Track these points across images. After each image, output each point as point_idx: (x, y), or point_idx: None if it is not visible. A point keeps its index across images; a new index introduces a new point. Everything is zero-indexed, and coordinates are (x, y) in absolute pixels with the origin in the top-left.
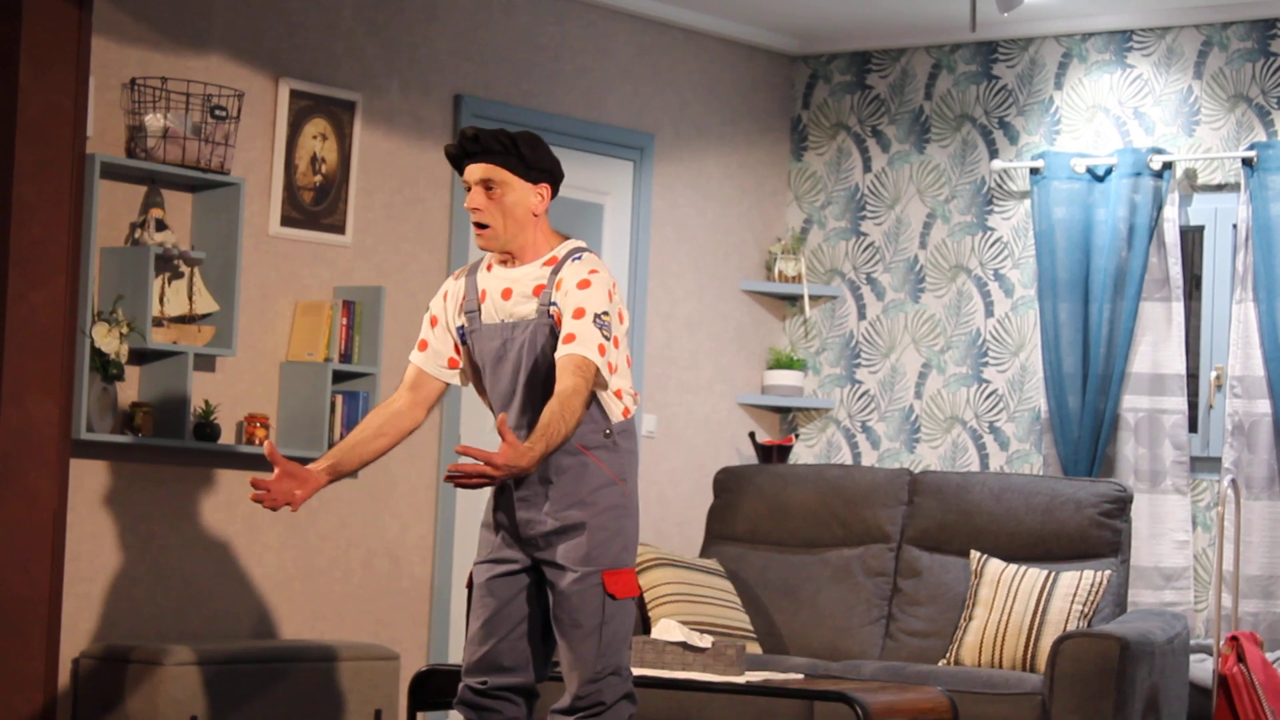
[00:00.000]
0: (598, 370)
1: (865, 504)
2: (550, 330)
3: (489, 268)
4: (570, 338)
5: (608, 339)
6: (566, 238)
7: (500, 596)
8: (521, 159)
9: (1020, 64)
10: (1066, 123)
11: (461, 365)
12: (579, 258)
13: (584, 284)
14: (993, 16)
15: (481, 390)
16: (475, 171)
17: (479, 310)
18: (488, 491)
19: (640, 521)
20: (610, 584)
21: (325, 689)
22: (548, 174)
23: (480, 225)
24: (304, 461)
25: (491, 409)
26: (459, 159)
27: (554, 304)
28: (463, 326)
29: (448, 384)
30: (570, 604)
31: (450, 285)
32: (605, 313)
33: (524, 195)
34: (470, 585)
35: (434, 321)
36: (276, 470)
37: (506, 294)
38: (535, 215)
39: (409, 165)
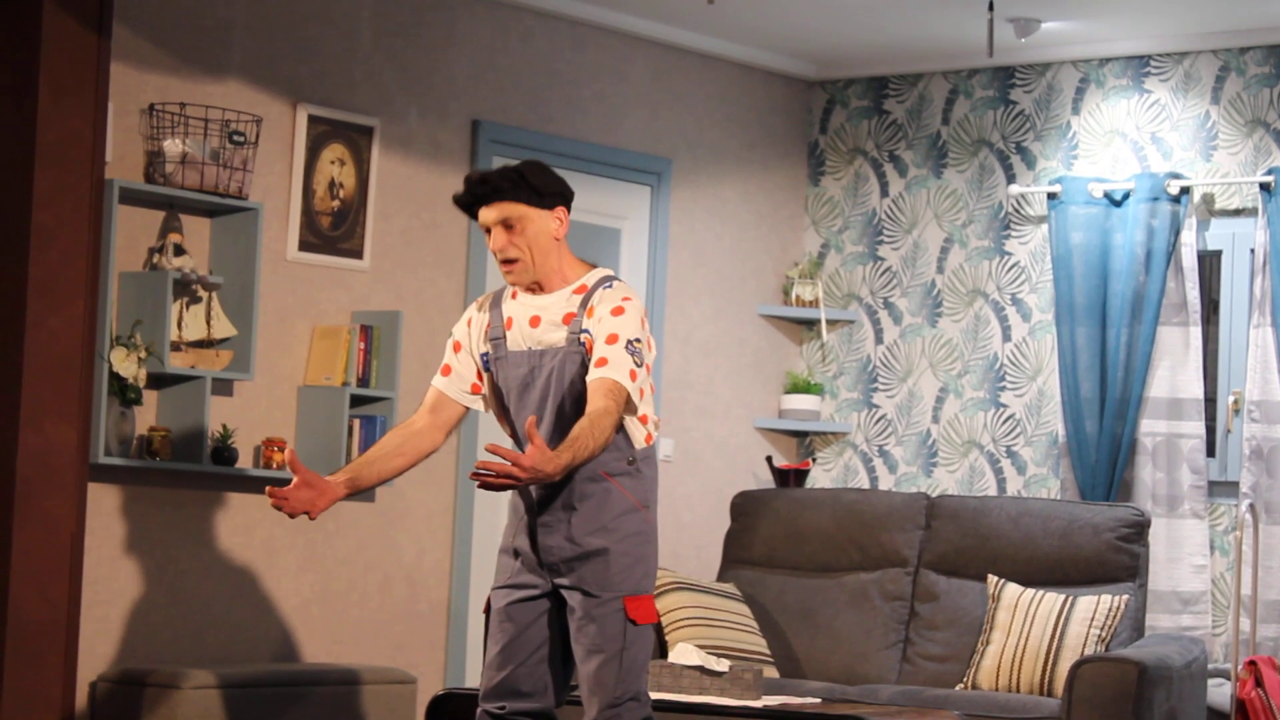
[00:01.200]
0: (629, 395)
1: (882, 528)
2: (581, 359)
3: (514, 295)
4: (603, 361)
5: (639, 366)
6: (593, 265)
7: (519, 622)
8: (533, 189)
9: (1038, 89)
10: (1084, 148)
11: (483, 391)
12: (610, 285)
13: (618, 310)
14: (1010, 42)
15: (502, 417)
16: (491, 214)
17: (504, 338)
18: (505, 518)
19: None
20: (631, 610)
21: (342, 712)
22: (560, 196)
23: (508, 261)
24: None
25: (513, 436)
26: (471, 206)
27: (586, 331)
28: (487, 354)
29: (468, 409)
30: (592, 629)
31: (474, 313)
32: (637, 339)
33: (544, 224)
34: (488, 611)
35: (457, 347)
36: (296, 479)
37: (535, 321)
38: (557, 240)
39: (427, 190)
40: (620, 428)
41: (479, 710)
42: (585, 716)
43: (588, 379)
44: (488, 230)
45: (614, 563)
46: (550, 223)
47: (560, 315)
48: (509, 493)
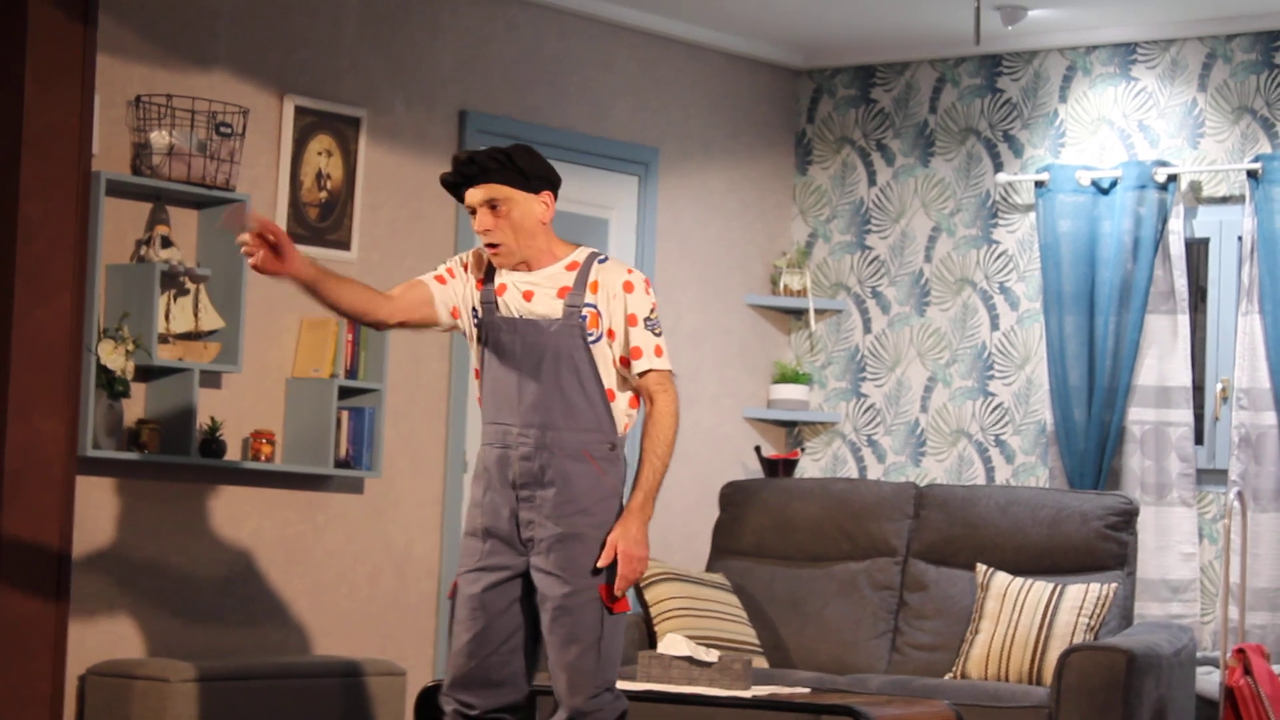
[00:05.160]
0: (672, 375)
1: (871, 518)
2: (580, 333)
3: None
4: (638, 352)
5: (660, 336)
6: (576, 245)
7: (492, 609)
8: (520, 172)
9: (1025, 77)
10: (1071, 136)
11: (463, 327)
12: (604, 260)
13: (629, 286)
14: (997, 30)
15: (480, 375)
16: (477, 194)
17: (496, 302)
18: (469, 495)
19: None
20: (607, 598)
21: (332, 705)
22: (546, 181)
23: (493, 245)
24: (310, 478)
25: (484, 395)
26: (458, 186)
27: (591, 306)
28: (475, 309)
29: (431, 323)
30: (570, 618)
31: (469, 260)
32: (653, 312)
33: (530, 207)
34: (454, 595)
35: (451, 273)
36: (259, 230)
37: (528, 296)
38: (543, 223)
39: (414, 181)
40: (607, 408)
41: (451, 707)
42: (563, 708)
43: (633, 371)
44: (473, 211)
45: (592, 550)
46: (536, 206)
47: (555, 289)
48: (477, 469)
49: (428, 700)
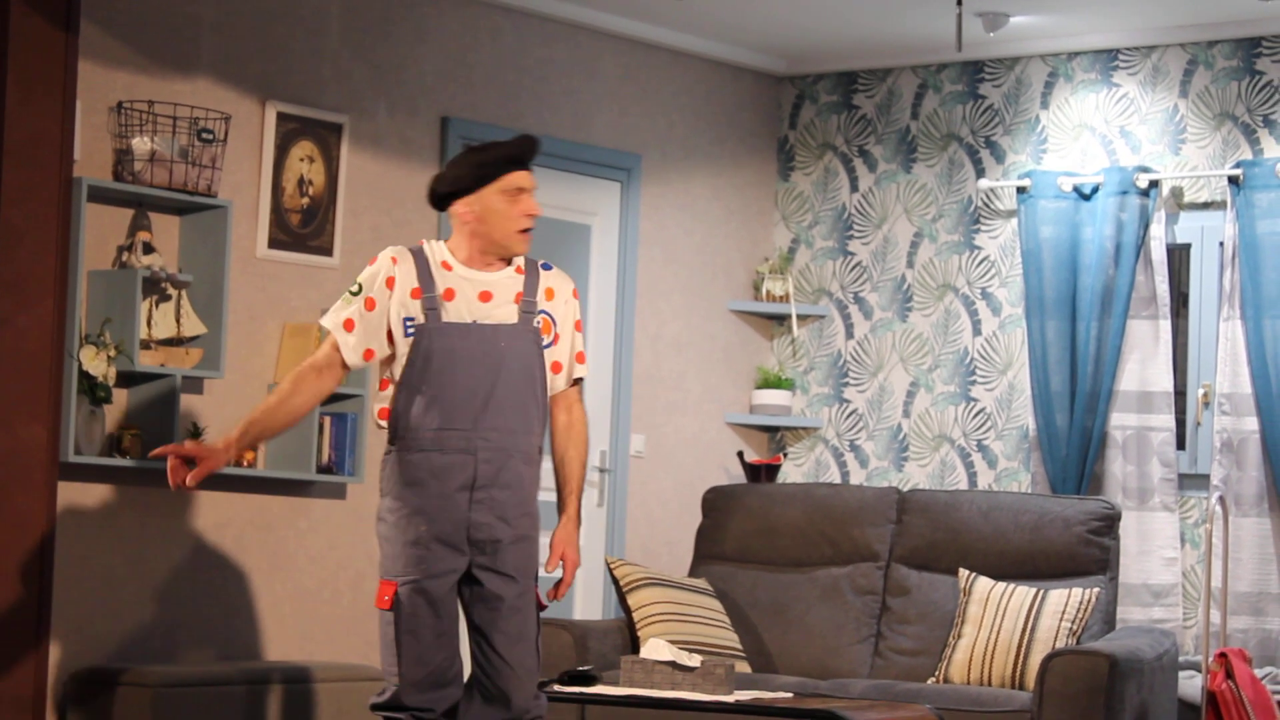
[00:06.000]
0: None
1: (854, 523)
2: (536, 338)
3: (445, 266)
4: (581, 357)
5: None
6: None
7: (448, 613)
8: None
9: (1006, 83)
10: (1053, 142)
11: (378, 356)
12: (549, 267)
13: (575, 294)
14: (979, 36)
15: (417, 383)
16: (531, 178)
17: (440, 309)
18: (390, 504)
19: (625, 541)
20: (540, 598)
21: (314, 710)
22: None
23: (529, 229)
24: (293, 483)
25: (425, 402)
26: (517, 161)
27: (544, 312)
28: (410, 319)
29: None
30: (519, 617)
31: (394, 272)
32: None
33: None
34: (395, 605)
35: (370, 304)
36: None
37: (485, 297)
38: None
39: (396, 187)
40: (546, 414)
41: (407, 708)
42: (502, 705)
43: (576, 375)
44: (521, 192)
45: (534, 549)
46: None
47: (511, 294)
48: (406, 478)
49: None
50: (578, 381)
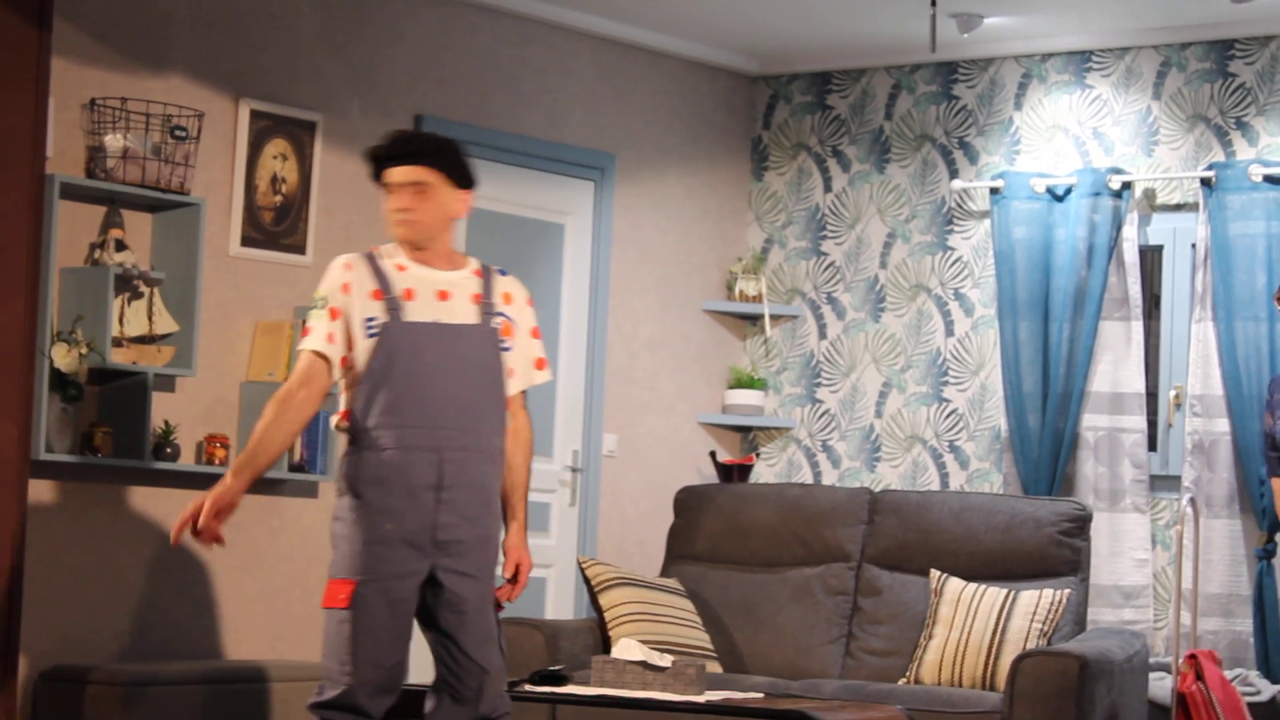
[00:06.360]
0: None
1: (825, 523)
2: (496, 339)
3: (400, 268)
4: (542, 363)
5: None
6: (464, 255)
7: (405, 616)
8: (454, 164)
9: (980, 84)
10: (1026, 143)
11: (345, 358)
12: (504, 272)
13: (529, 301)
14: (953, 37)
15: (376, 385)
16: (405, 173)
17: (401, 308)
18: (352, 502)
19: (597, 540)
20: (496, 594)
21: (285, 709)
22: (472, 182)
23: (409, 220)
24: (264, 482)
25: (385, 403)
26: (386, 160)
27: (503, 315)
28: (372, 319)
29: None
30: (484, 618)
31: (348, 277)
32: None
33: (450, 199)
34: (349, 604)
35: (335, 314)
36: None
37: (444, 295)
38: (453, 220)
39: (369, 186)
40: (504, 411)
41: (357, 709)
42: (472, 705)
43: (535, 381)
44: (389, 188)
45: (496, 550)
46: (456, 203)
47: (469, 294)
48: (370, 476)
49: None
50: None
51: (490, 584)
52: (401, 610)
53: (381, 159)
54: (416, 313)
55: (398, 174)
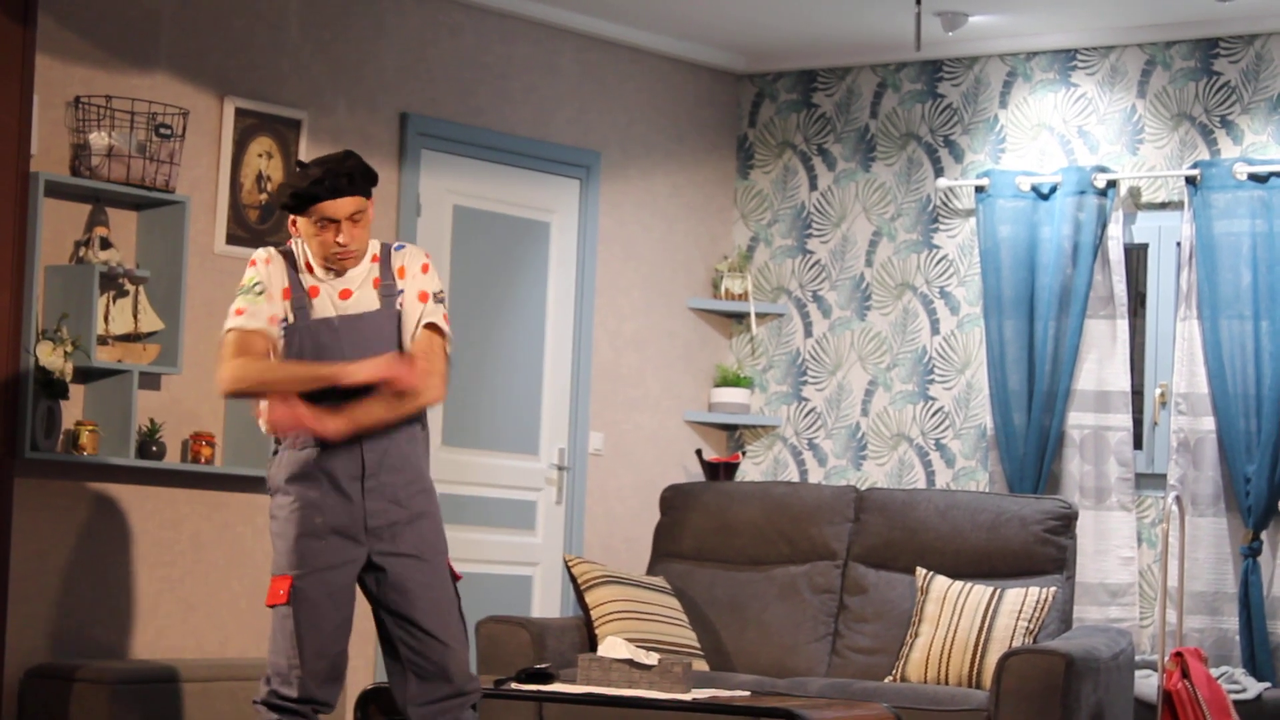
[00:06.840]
0: (448, 339)
1: (811, 521)
2: (397, 318)
3: (309, 268)
4: (435, 326)
5: (446, 310)
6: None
7: (345, 605)
8: (369, 179)
9: (965, 83)
10: (1011, 141)
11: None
12: (401, 247)
13: (425, 268)
14: (938, 35)
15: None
16: (347, 206)
17: (309, 307)
18: (280, 499)
19: (584, 538)
20: (453, 569)
21: None
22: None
23: (348, 255)
24: (250, 480)
25: (305, 398)
26: (320, 198)
27: (401, 292)
28: (284, 320)
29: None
30: (434, 595)
31: (270, 271)
32: (441, 290)
33: (370, 213)
34: (288, 600)
35: (270, 297)
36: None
37: (346, 294)
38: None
39: None
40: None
41: (312, 700)
42: (449, 678)
43: (414, 338)
44: (329, 223)
45: (435, 523)
46: (371, 211)
47: (369, 281)
48: (292, 473)
49: (367, 703)
50: (431, 326)
51: (438, 560)
52: (341, 599)
53: (309, 199)
54: (321, 309)
55: (341, 207)
